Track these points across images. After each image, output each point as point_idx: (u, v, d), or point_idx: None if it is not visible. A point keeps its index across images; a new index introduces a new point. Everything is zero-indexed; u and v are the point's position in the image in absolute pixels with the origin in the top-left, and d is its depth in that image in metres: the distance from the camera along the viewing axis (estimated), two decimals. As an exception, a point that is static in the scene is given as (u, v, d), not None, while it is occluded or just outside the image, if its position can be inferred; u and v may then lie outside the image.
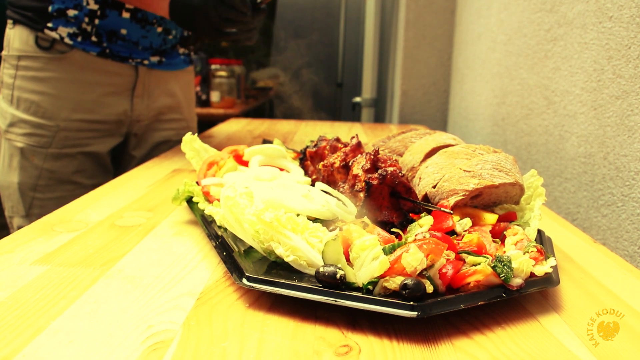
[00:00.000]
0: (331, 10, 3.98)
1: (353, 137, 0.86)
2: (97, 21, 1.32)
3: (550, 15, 1.33)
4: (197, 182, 0.91)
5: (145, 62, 1.44)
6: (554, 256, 0.67)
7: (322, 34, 4.02)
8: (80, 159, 1.39)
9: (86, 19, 1.31)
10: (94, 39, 1.34)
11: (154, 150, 1.58)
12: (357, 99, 3.20)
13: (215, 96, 3.86)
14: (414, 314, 0.53)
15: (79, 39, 1.32)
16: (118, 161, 1.56)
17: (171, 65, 1.54)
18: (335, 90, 3.99)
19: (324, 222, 0.70)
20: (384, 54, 2.98)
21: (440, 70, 2.50)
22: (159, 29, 1.43)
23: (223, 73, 3.88)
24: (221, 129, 2.07)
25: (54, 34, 1.30)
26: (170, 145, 1.60)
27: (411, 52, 2.49)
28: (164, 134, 1.59)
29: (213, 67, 3.91)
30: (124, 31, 1.37)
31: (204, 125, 2.11)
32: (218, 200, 0.83)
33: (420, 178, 0.81)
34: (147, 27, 1.40)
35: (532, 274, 0.62)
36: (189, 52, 1.62)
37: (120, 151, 1.54)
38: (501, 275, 0.59)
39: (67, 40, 1.31)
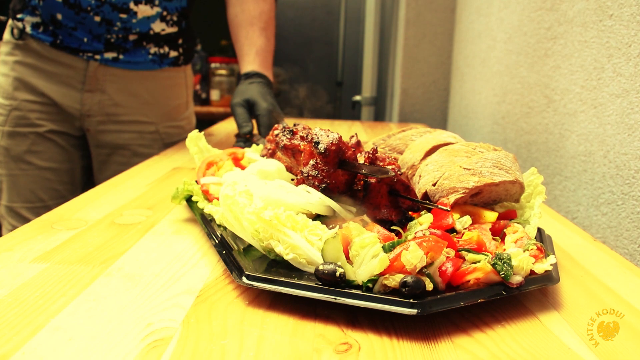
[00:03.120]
0: (331, 8, 3.98)
1: (352, 136, 0.86)
2: (41, 2, 1.36)
3: (550, 14, 1.33)
4: (196, 181, 0.91)
5: (97, 56, 1.43)
6: (553, 254, 0.67)
7: (322, 32, 4.01)
8: (33, 139, 1.45)
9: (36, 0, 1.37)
10: (50, 28, 1.40)
11: (115, 153, 1.54)
12: (357, 98, 3.20)
13: (215, 94, 3.86)
14: (413, 311, 0.53)
15: (41, 29, 1.40)
16: (86, 159, 1.58)
17: (132, 64, 1.48)
18: (335, 89, 3.98)
19: (324, 220, 0.70)
20: (384, 52, 2.98)
21: (440, 69, 2.50)
22: (97, 18, 1.37)
23: (223, 71, 3.87)
24: (221, 128, 2.07)
25: (19, 24, 1.41)
26: (133, 150, 1.55)
27: (411, 51, 2.49)
28: (125, 137, 1.54)
29: (213, 65, 3.91)
30: (59, 16, 1.37)
31: (204, 123, 2.11)
32: (217, 199, 0.82)
33: (420, 176, 0.81)
34: (81, 14, 1.36)
35: (532, 272, 0.62)
36: (166, 54, 1.53)
37: (85, 147, 1.55)
38: (501, 273, 0.59)
39: (28, 29, 1.41)
